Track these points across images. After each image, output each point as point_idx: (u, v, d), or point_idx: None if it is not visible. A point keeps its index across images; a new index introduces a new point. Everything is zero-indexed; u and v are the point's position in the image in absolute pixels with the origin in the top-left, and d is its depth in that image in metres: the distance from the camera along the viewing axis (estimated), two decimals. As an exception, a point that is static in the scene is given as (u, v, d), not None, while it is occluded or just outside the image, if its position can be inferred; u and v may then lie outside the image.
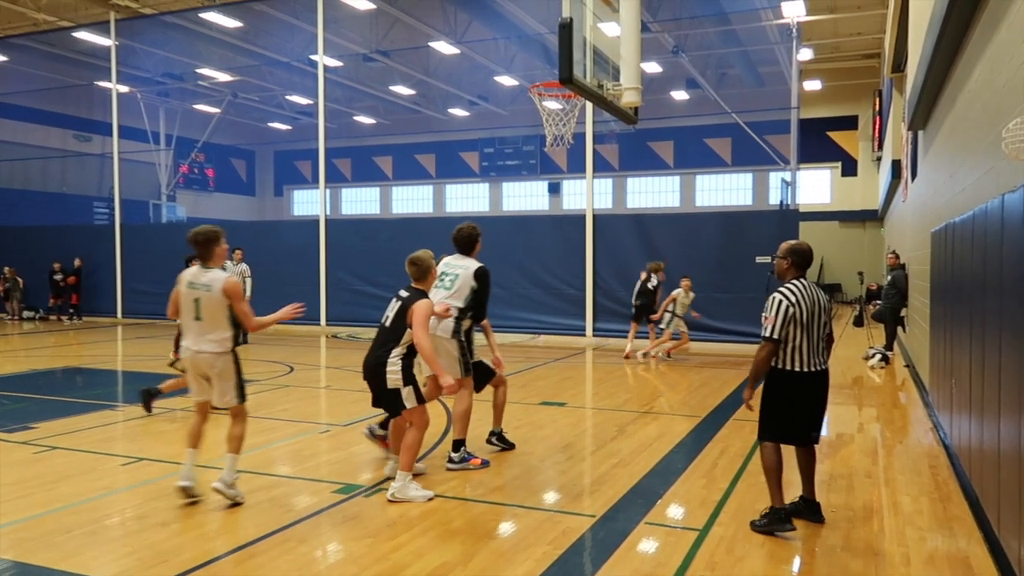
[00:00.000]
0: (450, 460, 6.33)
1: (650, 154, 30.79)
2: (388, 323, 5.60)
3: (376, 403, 5.69)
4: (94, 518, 5.14)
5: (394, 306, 5.62)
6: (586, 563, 4.54)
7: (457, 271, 6.44)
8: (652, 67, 23.45)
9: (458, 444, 6.36)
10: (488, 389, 6.77)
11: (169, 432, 7.80)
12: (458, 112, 31.87)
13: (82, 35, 21.70)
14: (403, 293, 5.66)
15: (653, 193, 31.85)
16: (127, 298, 20.82)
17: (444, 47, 22.93)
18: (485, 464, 6.37)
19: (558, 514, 5.26)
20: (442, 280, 6.42)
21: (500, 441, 6.94)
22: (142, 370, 12.37)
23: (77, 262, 20.84)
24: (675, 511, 5.39)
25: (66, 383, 11.64)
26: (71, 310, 20.96)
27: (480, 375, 6.60)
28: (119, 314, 20.83)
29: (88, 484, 5.90)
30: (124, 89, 23.57)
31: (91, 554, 4.54)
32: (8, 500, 5.49)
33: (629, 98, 6.98)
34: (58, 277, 20.75)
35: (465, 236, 6.58)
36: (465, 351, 6.35)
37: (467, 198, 34.68)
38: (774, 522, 4.83)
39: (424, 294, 5.64)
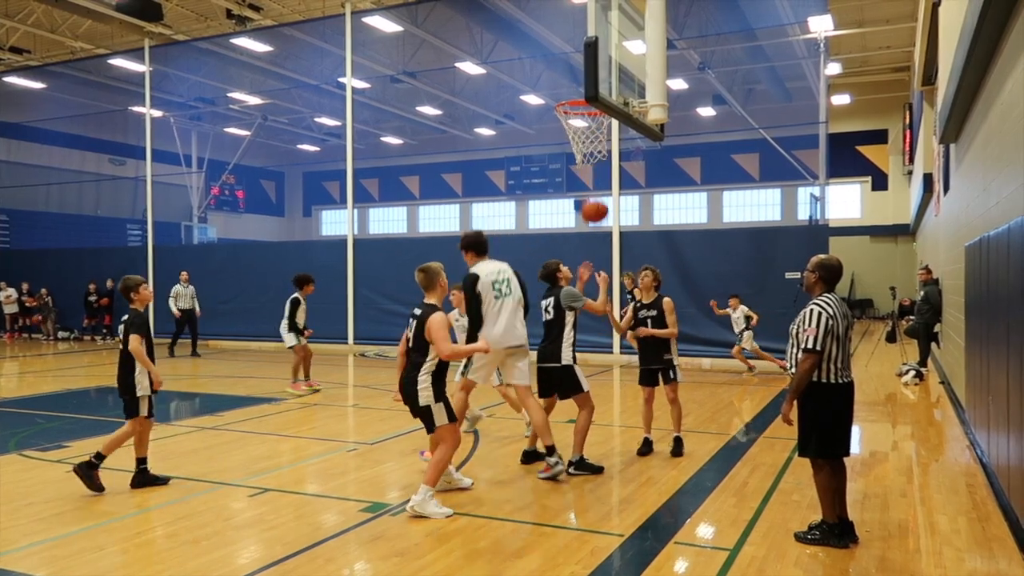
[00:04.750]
0: (549, 465, 6.43)
1: (677, 171, 30.69)
2: (412, 344, 5.68)
3: (415, 416, 5.77)
4: (126, 536, 5.19)
5: (412, 325, 5.70)
6: (615, 583, 4.49)
7: (506, 274, 6.50)
8: (678, 84, 23.43)
9: (551, 450, 6.44)
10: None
11: (200, 451, 7.88)
12: (484, 131, 32.08)
13: (117, 62, 22.25)
14: (416, 311, 5.71)
15: (680, 209, 31.74)
16: (159, 318, 21.10)
17: (470, 67, 23.11)
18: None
19: (586, 533, 5.21)
20: (498, 290, 6.40)
21: (580, 469, 6.63)
22: (172, 389, 12.50)
23: (110, 283, 21.16)
24: (705, 530, 5.32)
25: (99, 402, 11.79)
26: (104, 330, 21.31)
27: (568, 385, 6.66)
28: (151, 334, 21.08)
29: (120, 502, 5.97)
30: (157, 114, 24.08)
31: (123, 572, 4.58)
32: (42, 518, 5.57)
33: (655, 115, 6.97)
34: (93, 298, 21.10)
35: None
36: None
37: (493, 216, 34.77)
38: (828, 537, 4.91)
39: (436, 308, 5.65)
